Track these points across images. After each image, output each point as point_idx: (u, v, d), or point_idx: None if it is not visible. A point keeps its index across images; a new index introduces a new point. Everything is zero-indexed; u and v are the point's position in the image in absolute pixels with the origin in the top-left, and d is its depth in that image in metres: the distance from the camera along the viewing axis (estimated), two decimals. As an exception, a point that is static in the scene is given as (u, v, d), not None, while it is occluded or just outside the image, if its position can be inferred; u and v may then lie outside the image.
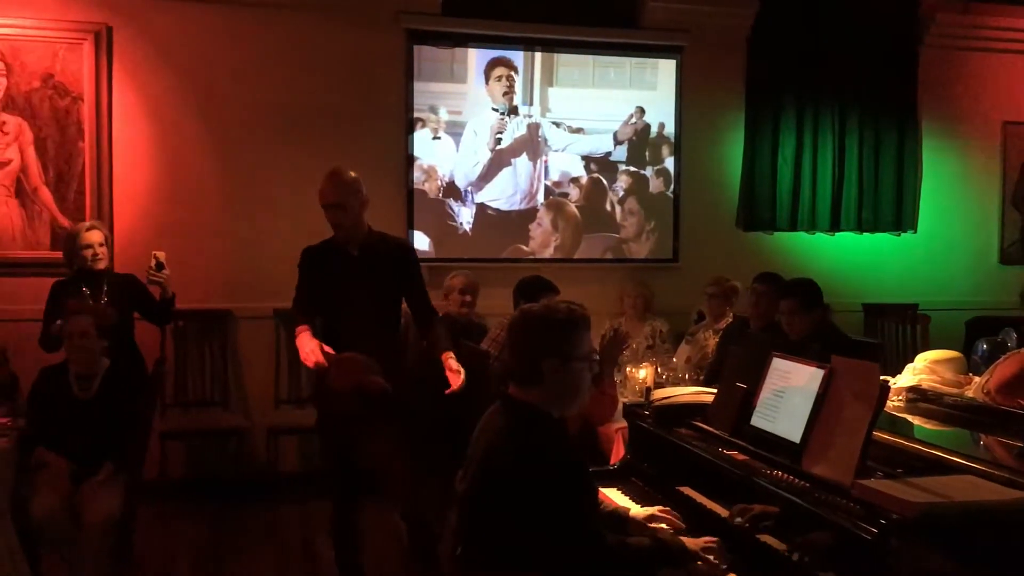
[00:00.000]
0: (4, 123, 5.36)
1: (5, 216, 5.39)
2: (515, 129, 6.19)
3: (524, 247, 6.25)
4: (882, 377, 2.42)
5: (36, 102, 5.39)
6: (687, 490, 2.79)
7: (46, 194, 5.43)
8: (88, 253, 4.44)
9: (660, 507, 2.69)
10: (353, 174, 3.71)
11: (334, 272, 3.72)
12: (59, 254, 4.68)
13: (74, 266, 4.48)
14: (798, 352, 2.85)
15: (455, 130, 6.10)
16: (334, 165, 3.76)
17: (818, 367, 2.55)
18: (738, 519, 2.38)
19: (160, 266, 4.47)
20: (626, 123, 6.38)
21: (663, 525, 2.59)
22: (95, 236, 4.47)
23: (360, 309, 3.68)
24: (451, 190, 6.11)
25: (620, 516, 2.61)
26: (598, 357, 2.65)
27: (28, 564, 3.63)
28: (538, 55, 6.21)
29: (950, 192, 6.99)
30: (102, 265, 4.49)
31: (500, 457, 2.21)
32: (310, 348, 3.48)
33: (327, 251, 3.76)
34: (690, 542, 2.35)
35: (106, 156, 5.49)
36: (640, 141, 6.42)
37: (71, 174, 5.46)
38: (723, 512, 2.52)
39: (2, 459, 3.61)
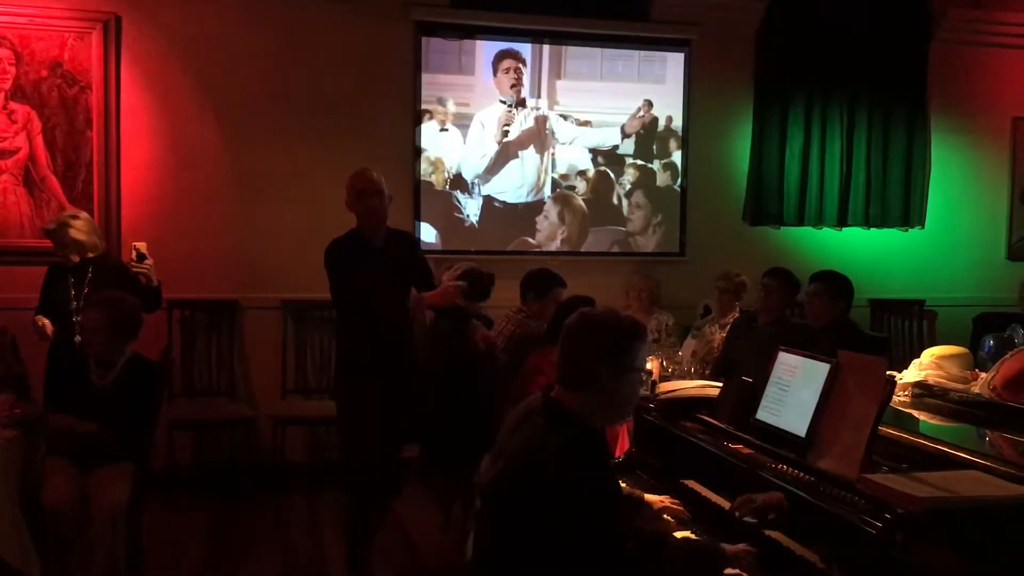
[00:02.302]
0: (13, 112, 5.37)
1: (13, 204, 5.40)
2: (522, 121, 6.18)
3: (531, 240, 6.25)
4: (888, 372, 2.42)
5: (44, 91, 5.39)
6: (692, 483, 2.79)
7: (54, 183, 5.43)
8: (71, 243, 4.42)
9: (669, 497, 2.70)
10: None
11: (362, 263, 3.80)
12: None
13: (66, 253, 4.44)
14: (807, 346, 2.84)
15: (462, 122, 6.09)
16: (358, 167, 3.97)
17: (824, 361, 2.55)
18: (744, 516, 2.38)
19: (142, 257, 4.37)
20: (634, 116, 6.37)
21: (671, 519, 2.61)
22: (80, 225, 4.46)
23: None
24: (458, 182, 6.11)
25: (635, 499, 2.63)
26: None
27: (37, 553, 3.65)
28: (546, 47, 6.19)
29: (958, 188, 6.96)
30: (87, 255, 4.46)
31: (538, 461, 2.12)
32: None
33: (354, 242, 3.85)
34: (729, 549, 2.31)
35: (114, 145, 5.50)
36: (648, 134, 6.41)
37: (79, 163, 5.47)
38: (727, 505, 2.52)
39: (11, 448, 3.61)
